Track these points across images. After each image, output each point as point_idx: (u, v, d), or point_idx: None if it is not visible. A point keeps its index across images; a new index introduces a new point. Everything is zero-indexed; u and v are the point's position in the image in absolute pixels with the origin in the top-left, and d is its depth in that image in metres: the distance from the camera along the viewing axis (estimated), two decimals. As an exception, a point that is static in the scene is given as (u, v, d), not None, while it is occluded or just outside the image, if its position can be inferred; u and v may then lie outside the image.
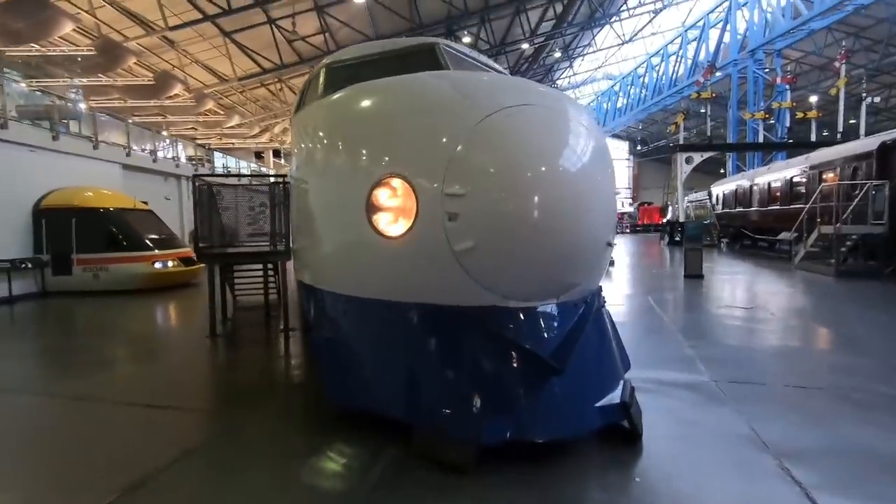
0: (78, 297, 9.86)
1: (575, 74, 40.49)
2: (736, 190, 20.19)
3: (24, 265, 9.42)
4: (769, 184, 16.88)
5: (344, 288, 3.62)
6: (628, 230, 39.83)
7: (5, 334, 7.33)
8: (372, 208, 3.09)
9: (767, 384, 4.21)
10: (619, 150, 57.31)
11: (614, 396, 3.09)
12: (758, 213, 17.80)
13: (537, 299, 2.98)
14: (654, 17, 30.07)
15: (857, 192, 11.12)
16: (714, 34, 28.25)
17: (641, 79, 36.93)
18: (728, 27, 26.93)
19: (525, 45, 26.31)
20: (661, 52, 33.56)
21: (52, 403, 4.19)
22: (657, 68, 34.51)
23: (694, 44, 29.64)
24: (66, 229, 10.02)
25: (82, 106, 13.63)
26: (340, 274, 3.68)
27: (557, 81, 43.10)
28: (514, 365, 2.88)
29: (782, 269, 12.77)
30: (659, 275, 12.35)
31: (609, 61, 38.35)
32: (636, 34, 31.78)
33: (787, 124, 23.44)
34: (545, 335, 2.99)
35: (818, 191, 12.36)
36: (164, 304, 9.22)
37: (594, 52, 34.75)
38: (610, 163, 3.27)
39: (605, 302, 3.87)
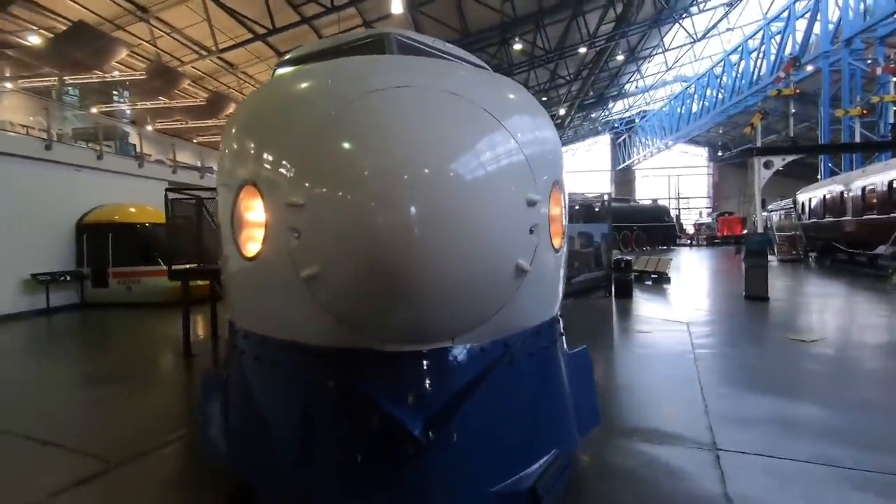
0: (111, 308, 10.26)
1: (642, 78, 38.23)
2: (825, 197, 17.64)
3: (63, 278, 9.96)
4: (864, 188, 14.50)
5: (230, 313, 3.12)
6: (705, 243, 36.63)
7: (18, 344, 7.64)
8: (235, 223, 2.55)
9: None
10: (698, 157, 53.40)
11: (526, 478, 2.27)
12: (852, 223, 15.33)
13: (414, 342, 2.25)
14: (728, 10, 27.58)
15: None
16: (802, 25, 25.30)
17: (719, 79, 33.99)
18: (818, 16, 23.98)
19: (583, 49, 24.98)
20: (741, 48, 30.69)
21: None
22: (736, 67, 31.58)
23: (778, 37, 26.73)
24: (104, 244, 10.52)
25: (129, 127, 14.52)
26: (226, 297, 3.20)
27: (625, 86, 40.99)
28: (371, 432, 2.17)
29: (876, 291, 10.70)
30: (717, 295, 10.80)
31: (681, 62, 35.76)
32: (709, 31, 29.33)
33: (892, 120, 20.18)
34: (426, 390, 2.24)
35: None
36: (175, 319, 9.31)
37: (662, 52, 32.50)
38: (539, 163, 2.48)
39: (558, 337, 3.04)
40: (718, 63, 33.63)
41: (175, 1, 14.74)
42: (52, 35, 11.42)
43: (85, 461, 3.32)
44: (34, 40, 11.56)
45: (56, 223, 10.26)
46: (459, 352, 2.33)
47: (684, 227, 44.11)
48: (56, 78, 13.55)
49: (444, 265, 2.09)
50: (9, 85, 13.76)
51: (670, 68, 36.25)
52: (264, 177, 2.34)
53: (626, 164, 52.27)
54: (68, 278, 10.13)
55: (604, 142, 54.64)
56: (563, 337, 3.35)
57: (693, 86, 37.98)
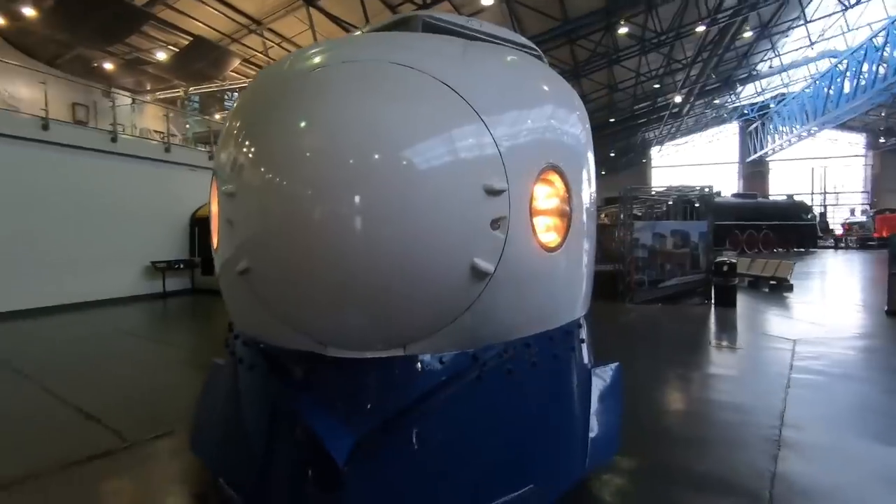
0: (217, 294, 11.38)
1: (778, 56, 33.49)
2: None
3: (177, 265, 11.32)
4: None
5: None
6: (856, 246, 31.24)
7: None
8: (210, 214, 2.54)
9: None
10: (852, 146, 45.64)
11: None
12: None
13: (357, 348, 2.02)
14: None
15: None
16: None
17: (880, 51, 28.54)
18: None
19: (700, 28, 22.47)
20: (911, 10, 25.47)
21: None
22: (905, 33, 26.26)
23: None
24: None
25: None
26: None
27: (757, 67, 36.27)
28: (295, 447, 1.98)
29: None
30: (851, 308, 8.98)
31: (828, 33, 30.65)
32: (867, -6, 24.74)
33: None
34: (365, 404, 2.00)
35: None
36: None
37: (804, 24, 28.10)
38: (519, 144, 2.11)
39: (568, 350, 2.61)
40: (880, 32, 28.24)
41: (283, 13, 15.94)
42: (176, 50, 12.96)
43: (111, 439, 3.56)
44: (161, 56, 13.26)
45: (173, 217, 11.71)
46: (411, 363, 2.05)
47: (830, 226, 38.08)
48: (182, 88, 15.43)
49: (377, 264, 1.84)
50: (147, 97, 16.01)
51: (814, 43, 31.25)
52: (215, 166, 2.30)
53: (757, 154, 46.23)
54: (182, 266, 11.49)
55: (730, 131, 49.00)
56: (584, 348, 2.90)
57: (845, 61, 32.36)
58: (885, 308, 7.96)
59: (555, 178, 2.35)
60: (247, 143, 1.97)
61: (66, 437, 3.55)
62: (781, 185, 45.38)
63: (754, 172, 47.39)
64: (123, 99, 14.71)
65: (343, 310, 1.90)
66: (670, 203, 9.86)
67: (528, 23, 20.27)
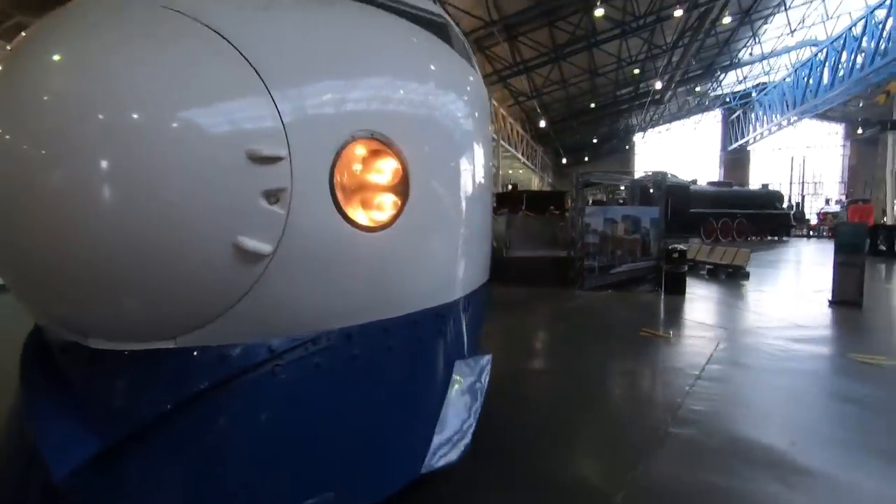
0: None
1: (759, 44, 33.36)
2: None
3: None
4: None
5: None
6: (828, 235, 31.56)
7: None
8: None
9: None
10: (831, 136, 45.96)
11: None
12: None
13: (116, 338, 1.77)
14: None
15: None
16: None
17: (858, 41, 28.50)
18: None
19: (678, 12, 22.17)
20: (889, 1, 25.39)
21: None
22: (882, 24, 26.21)
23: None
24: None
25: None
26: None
27: (739, 55, 36.11)
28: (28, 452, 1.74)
29: None
30: (799, 298, 8.95)
31: (808, 21, 30.53)
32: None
33: None
34: (116, 404, 1.75)
35: None
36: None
37: (784, 10, 27.94)
38: (312, 104, 1.86)
39: (413, 343, 2.39)
40: (859, 20, 28.17)
41: None
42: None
43: None
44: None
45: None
46: (180, 356, 1.81)
47: (806, 215, 38.47)
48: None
49: (117, 241, 1.58)
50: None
51: (795, 30, 31.14)
52: None
53: (739, 143, 46.36)
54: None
55: (713, 119, 49.03)
56: (448, 337, 2.69)
57: (825, 50, 32.32)
58: (829, 298, 7.91)
59: (380, 149, 2.11)
60: None
61: None
62: (762, 173, 45.61)
63: (735, 160, 47.58)
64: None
65: (89, 295, 1.65)
66: (623, 188, 9.67)
67: (505, 2, 19.83)
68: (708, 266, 11.91)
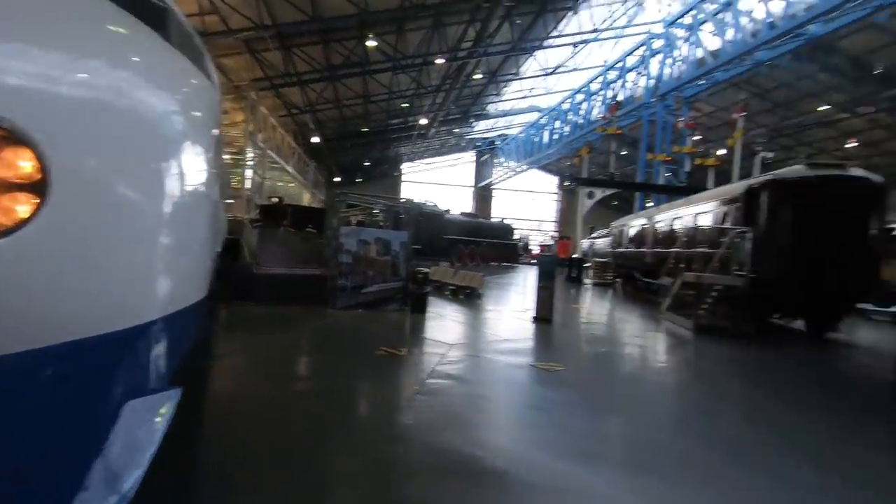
0: None
1: (501, 101, 40.06)
2: (622, 229, 19.66)
3: None
4: (643, 225, 16.35)
5: None
6: (544, 263, 39.17)
7: None
8: None
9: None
10: (551, 184, 57.77)
11: None
12: (640, 255, 17.04)
13: None
14: (576, 51, 29.95)
15: (725, 238, 10.17)
16: (633, 77, 28.40)
17: (567, 114, 36.90)
18: (644, 72, 27.08)
19: (440, 60, 24.99)
20: (585, 89, 33.63)
21: None
22: (581, 105, 34.51)
23: (617, 83, 29.71)
24: None
25: None
26: None
27: (487, 107, 42.58)
28: None
29: (649, 318, 11.63)
30: (515, 315, 10.79)
31: (535, 91, 38.13)
32: (557, 68, 31.61)
33: (687, 169, 23.44)
34: None
35: (684, 235, 11.43)
36: None
37: (519, 79, 34.29)
38: None
39: (67, 373, 1.92)
40: (566, 99, 36.56)
41: None
42: None
43: None
44: None
45: None
46: None
47: (529, 246, 47.15)
48: None
49: None
50: None
51: (526, 97, 38.47)
52: None
53: (486, 182, 54.55)
54: None
55: (469, 158, 56.51)
56: (121, 371, 2.24)
57: (546, 117, 40.86)
58: (533, 316, 9.74)
59: (6, 136, 1.65)
60: None
61: None
62: (502, 209, 54.40)
63: (484, 196, 55.74)
64: None
65: None
66: (377, 212, 10.24)
67: (279, 10, 19.10)
68: (451, 287, 13.45)
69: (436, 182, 55.00)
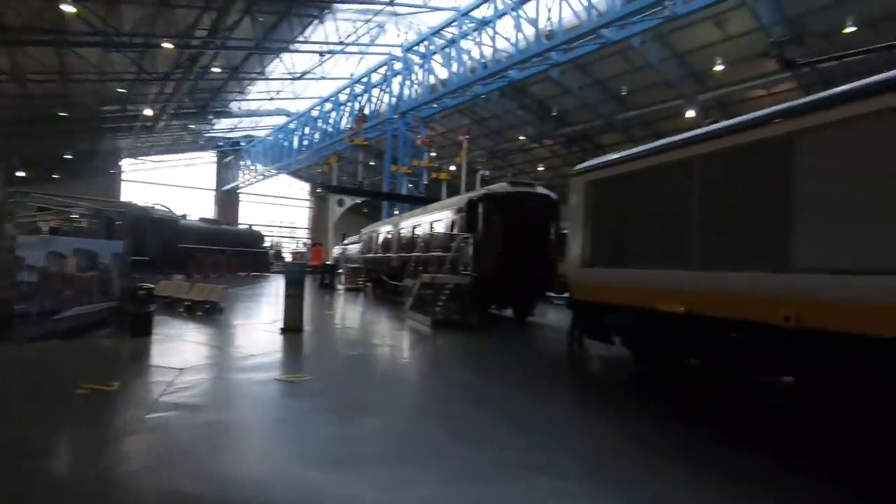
0: None
1: (245, 99, 37.48)
2: (371, 235, 20.89)
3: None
4: (389, 232, 17.74)
5: None
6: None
7: None
8: None
9: None
10: (302, 190, 56.56)
11: None
12: (387, 259, 18.34)
13: None
14: (323, 60, 30.18)
15: (454, 243, 11.76)
16: (377, 92, 30.16)
17: (317, 121, 36.78)
18: (387, 89, 29.12)
19: (168, 45, 21.83)
20: (333, 98, 34.15)
21: None
22: (330, 114, 34.88)
23: (364, 96, 31.01)
24: None
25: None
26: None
27: (229, 105, 39.14)
28: None
29: (394, 317, 12.55)
30: (258, 328, 10.17)
31: (283, 94, 36.90)
32: (306, 73, 31.34)
33: (426, 181, 26.29)
34: None
35: (422, 240, 12.78)
36: None
37: (264, 80, 32.63)
38: None
39: None
40: (315, 106, 36.49)
41: None
42: None
43: None
44: None
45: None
46: None
47: (282, 254, 45.29)
48: None
49: None
50: None
51: (273, 98, 36.89)
52: None
53: (231, 185, 49.97)
54: None
55: (209, 159, 50.84)
56: None
57: (295, 122, 39.92)
58: (281, 326, 9.36)
59: None
60: None
61: None
62: (252, 215, 50.67)
63: (228, 201, 50.87)
64: None
65: None
66: (78, 217, 8.31)
67: None
68: (186, 303, 11.85)
69: (169, 183, 47.77)
